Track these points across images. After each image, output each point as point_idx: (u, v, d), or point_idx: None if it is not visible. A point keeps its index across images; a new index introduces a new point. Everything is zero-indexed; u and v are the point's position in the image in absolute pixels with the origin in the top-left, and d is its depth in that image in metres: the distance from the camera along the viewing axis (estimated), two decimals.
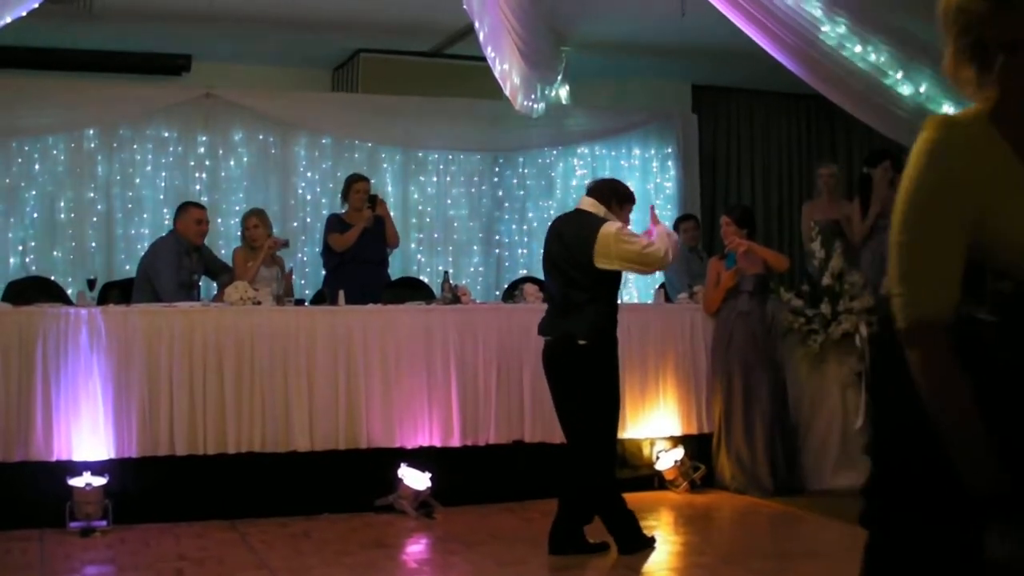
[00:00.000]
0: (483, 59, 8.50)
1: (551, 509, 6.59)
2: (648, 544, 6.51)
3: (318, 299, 9.12)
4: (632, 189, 6.74)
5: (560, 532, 6.41)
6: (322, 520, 7.30)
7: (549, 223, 6.82)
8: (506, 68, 8.48)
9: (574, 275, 6.32)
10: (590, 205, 6.47)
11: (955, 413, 2.48)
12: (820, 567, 6.36)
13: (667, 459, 8.30)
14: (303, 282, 9.77)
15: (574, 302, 6.33)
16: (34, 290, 8.21)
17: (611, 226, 6.28)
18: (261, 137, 10.32)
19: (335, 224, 9.32)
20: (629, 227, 6.53)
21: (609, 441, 6.52)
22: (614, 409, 6.49)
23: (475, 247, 11.00)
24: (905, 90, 8.01)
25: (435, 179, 10.89)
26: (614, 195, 6.52)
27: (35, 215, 9.80)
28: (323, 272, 9.61)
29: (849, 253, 9.23)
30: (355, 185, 9.36)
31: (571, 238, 6.37)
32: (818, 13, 7.64)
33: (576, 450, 6.44)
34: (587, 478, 6.40)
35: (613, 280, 6.43)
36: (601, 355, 6.36)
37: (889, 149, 9.27)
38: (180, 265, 8.42)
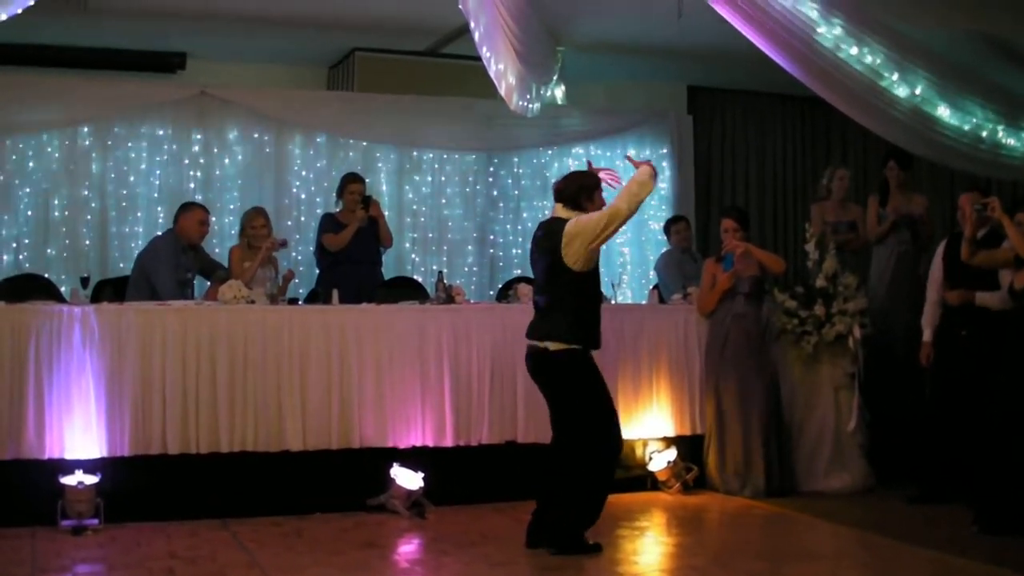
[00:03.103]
0: (478, 59, 8.48)
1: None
2: (591, 551, 6.50)
3: (312, 298, 9.10)
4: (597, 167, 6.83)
5: (543, 527, 6.50)
6: (314, 519, 7.29)
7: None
8: (501, 68, 8.46)
9: (544, 281, 6.56)
10: (560, 211, 6.59)
11: None
12: (812, 569, 6.37)
13: (660, 460, 8.30)
14: (297, 281, 9.75)
15: (546, 309, 6.53)
16: (27, 288, 8.18)
17: (572, 221, 6.41)
18: (256, 135, 10.30)
19: (329, 224, 9.33)
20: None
21: (604, 443, 6.54)
22: (601, 412, 6.51)
23: (469, 247, 10.99)
24: (901, 92, 8.02)
25: (430, 178, 10.87)
26: (581, 191, 6.56)
27: (29, 212, 9.77)
28: (316, 271, 9.60)
29: (858, 252, 9.27)
30: (350, 186, 9.36)
31: (544, 243, 6.54)
32: (814, 15, 7.64)
33: (569, 452, 6.48)
34: (578, 481, 6.43)
35: (585, 286, 6.50)
36: (575, 362, 6.47)
37: (895, 149, 9.21)
38: (178, 263, 8.42)
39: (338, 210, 9.46)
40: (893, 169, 9.21)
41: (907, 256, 9.12)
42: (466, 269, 10.94)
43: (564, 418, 6.54)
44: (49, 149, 9.82)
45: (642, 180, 6.37)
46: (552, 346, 6.45)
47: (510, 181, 11.19)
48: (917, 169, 10.87)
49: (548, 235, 6.51)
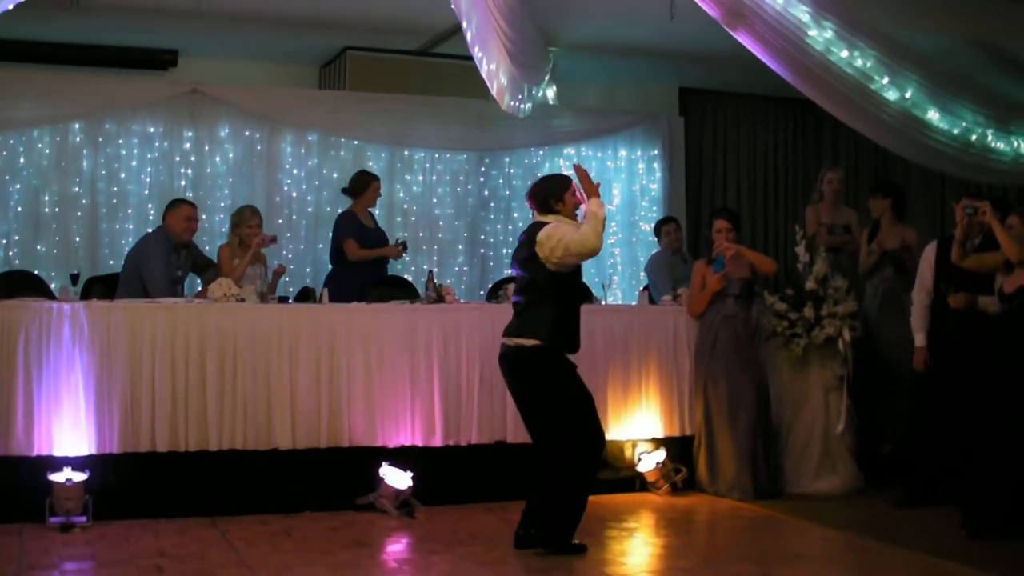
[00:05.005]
0: (470, 59, 8.48)
1: None
2: (577, 552, 6.50)
3: (302, 296, 9.09)
4: (565, 174, 6.96)
5: (531, 527, 6.50)
6: (303, 518, 7.29)
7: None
8: (493, 68, 8.46)
9: (523, 283, 6.58)
10: (537, 216, 6.68)
11: None
12: (801, 571, 6.39)
13: (649, 461, 8.31)
14: (287, 279, 9.75)
15: (523, 308, 6.56)
16: (17, 284, 8.16)
17: (552, 226, 6.46)
18: (247, 133, 10.29)
19: (353, 227, 9.24)
20: (577, 211, 6.63)
21: (585, 441, 6.53)
22: (578, 411, 6.50)
23: (460, 247, 10.99)
24: (891, 95, 8.03)
25: (421, 178, 10.87)
26: (550, 196, 6.64)
27: (19, 209, 9.75)
28: (308, 269, 9.54)
29: (853, 255, 9.25)
30: (374, 183, 9.38)
31: (524, 245, 6.59)
32: (805, 18, 7.65)
33: (552, 453, 6.48)
34: (564, 479, 6.44)
35: (563, 286, 6.52)
36: (548, 360, 6.47)
37: (884, 182, 9.06)
38: (169, 261, 8.40)
39: (353, 205, 9.37)
40: (877, 201, 9.04)
41: (891, 293, 8.87)
42: (456, 269, 10.94)
43: (542, 420, 6.51)
44: (40, 145, 9.81)
45: (593, 211, 6.41)
46: (527, 343, 6.44)
47: (501, 181, 11.20)
48: (909, 172, 10.87)
49: (528, 238, 6.54)
